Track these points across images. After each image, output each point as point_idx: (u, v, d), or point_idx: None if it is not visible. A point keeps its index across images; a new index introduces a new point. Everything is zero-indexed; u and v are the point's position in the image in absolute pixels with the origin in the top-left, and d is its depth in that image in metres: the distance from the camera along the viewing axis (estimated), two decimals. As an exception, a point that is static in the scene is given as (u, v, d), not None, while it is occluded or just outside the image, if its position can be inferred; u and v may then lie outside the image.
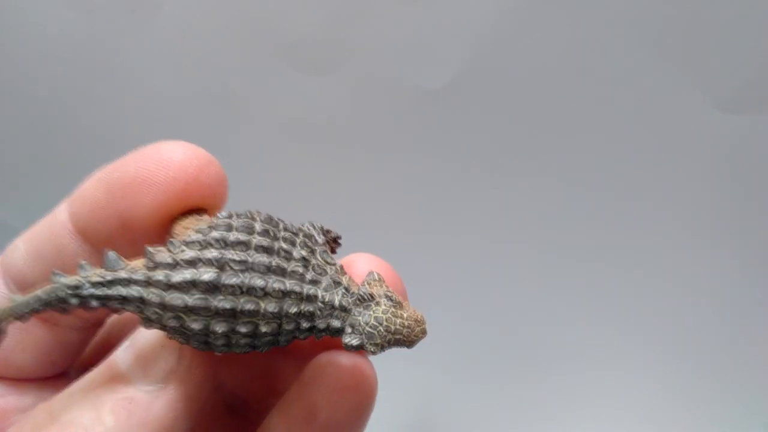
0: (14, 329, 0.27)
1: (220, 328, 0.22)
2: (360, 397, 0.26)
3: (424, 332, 0.26)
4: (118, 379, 0.23)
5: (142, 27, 0.62)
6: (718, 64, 0.56)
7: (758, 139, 0.58)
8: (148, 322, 0.23)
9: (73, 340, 0.29)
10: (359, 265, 0.28)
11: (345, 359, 0.27)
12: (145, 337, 0.24)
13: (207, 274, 0.22)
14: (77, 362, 0.30)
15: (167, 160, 0.25)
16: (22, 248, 0.27)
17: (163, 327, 0.23)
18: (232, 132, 0.65)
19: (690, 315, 0.65)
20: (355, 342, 0.24)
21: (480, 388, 0.69)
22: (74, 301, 0.23)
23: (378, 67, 0.61)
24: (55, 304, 0.23)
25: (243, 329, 0.23)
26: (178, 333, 0.23)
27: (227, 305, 0.22)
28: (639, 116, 0.59)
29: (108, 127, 0.66)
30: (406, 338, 0.25)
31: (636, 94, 0.59)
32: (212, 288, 0.22)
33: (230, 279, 0.22)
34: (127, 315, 0.32)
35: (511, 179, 0.63)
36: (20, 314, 0.23)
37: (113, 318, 0.31)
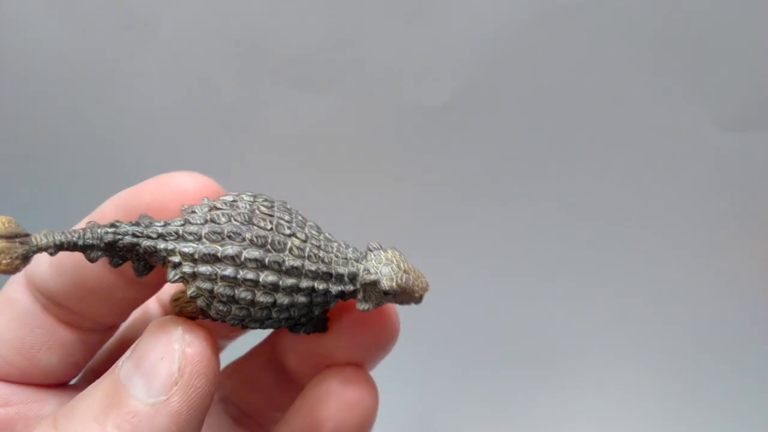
0: (41, 330, 0.29)
1: (253, 254, 0.24)
2: (363, 412, 0.28)
3: (427, 284, 0.28)
4: (120, 391, 0.23)
5: (138, 45, 0.62)
6: (719, 81, 0.57)
7: (758, 156, 0.59)
8: (176, 268, 0.25)
9: (95, 342, 0.31)
10: None
11: (348, 374, 0.28)
12: (145, 348, 0.24)
13: (241, 214, 0.25)
14: (91, 369, 0.32)
15: (180, 190, 0.27)
16: (45, 262, 0.28)
17: (193, 265, 0.24)
18: (230, 151, 0.65)
19: (689, 326, 0.65)
20: (371, 277, 0.26)
21: (480, 391, 0.69)
22: (110, 236, 0.24)
23: (377, 84, 0.61)
24: (90, 239, 0.24)
25: (272, 259, 0.25)
26: (208, 267, 0.24)
27: (261, 233, 0.25)
28: (639, 133, 0.60)
29: (105, 146, 0.66)
30: (415, 282, 0.27)
31: (636, 112, 0.59)
32: (246, 221, 0.25)
33: (260, 220, 0.25)
34: (134, 320, 0.33)
35: (511, 196, 0.64)
36: (52, 245, 0.24)
37: (125, 325, 0.32)
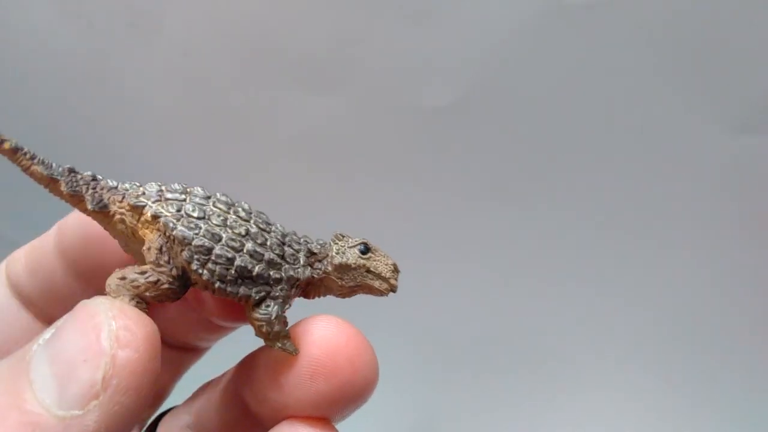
0: (19, 324, 0.28)
1: (223, 198, 0.24)
2: None
3: (396, 264, 0.27)
4: (25, 388, 0.19)
5: (143, 42, 0.62)
6: (730, 85, 0.57)
7: (766, 158, 0.58)
8: (140, 197, 0.24)
9: None
10: (316, 330, 0.24)
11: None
12: (66, 339, 0.19)
13: (199, 196, 0.25)
14: None
15: None
16: (22, 261, 0.27)
17: (160, 192, 0.24)
18: (234, 151, 0.64)
19: (689, 326, 0.65)
20: (341, 232, 0.26)
21: (481, 393, 0.69)
22: (72, 166, 0.24)
23: (384, 85, 0.61)
24: (51, 161, 0.23)
25: (242, 206, 0.25)
26: (176, 194, 0.24)
27: (227, 200, 0.25)
28: (650, 136, 0.60)
29: (108, 142, 0.66)
30: (389, 262, 0.27)
31: (647, 115, 0.59)
32: (206, 197, 0.25)
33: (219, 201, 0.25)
34: None
35: (516, 197, 0.64)
36: (14, 142, 0.23)
37: None
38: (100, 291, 0.25)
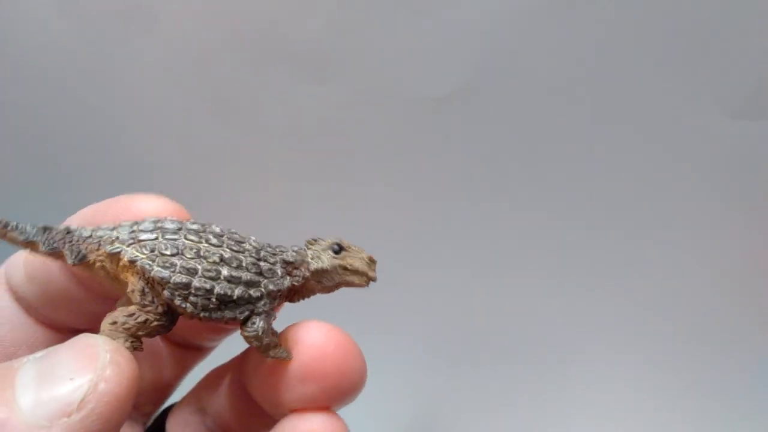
0: (21, 329, 0.28)
1: (193, 226, 0.25)
2: None
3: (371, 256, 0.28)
4: (9, 389, 0.20)
5: (138, 36, 0.61)
6: (728, 70, 0.56)
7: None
8: (114, 243, 0.24)
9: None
10: (305, 338, 0.26)
11: (315, 425, 0.25)
12: (60, 358, 0.21)
13: (170, 230, 0.25)
14: None
15: (141, 214, 0.27)
16: (21, 267, 0.28)
17: (134, 235, 0.24)
18: (230, 143, 0.64)
19: (694, 319, 0.65)
20: (314, 237, 0.27)
21: (479, 390, 0.69)
22: (44, 224, 0.24)
23: (381, 74, 0.60)
24: (22, 224, 0.24)
25: (213, 230, 0.25)
26: (150, 233, 0.24)
27: (193, 237, 0.25)
28: (648, 123, 0.59)
29: (105, 138, 0.66)
30: (364, 256, 0.27)
31: (645, 102, 0.59)
32: (178, 228, 0.25)
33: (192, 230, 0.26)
34: None
35: (515, 189, 0.63)
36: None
37: None
38: (101, 294, 0.27)
